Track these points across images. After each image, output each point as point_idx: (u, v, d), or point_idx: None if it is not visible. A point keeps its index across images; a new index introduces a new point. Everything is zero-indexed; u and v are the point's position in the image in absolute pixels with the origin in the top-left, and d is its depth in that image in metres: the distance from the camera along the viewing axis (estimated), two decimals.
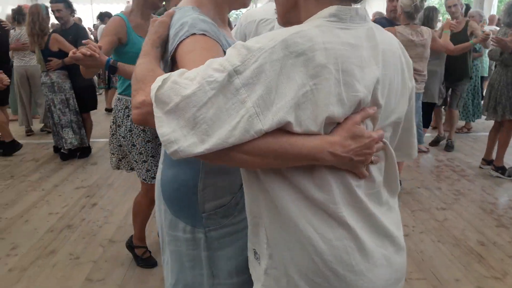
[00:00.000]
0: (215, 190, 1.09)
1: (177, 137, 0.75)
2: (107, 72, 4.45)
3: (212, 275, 1.12)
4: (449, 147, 4.99)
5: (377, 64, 0.83)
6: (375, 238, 0.87)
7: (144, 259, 2.61)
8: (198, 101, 0.74)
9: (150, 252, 2.66)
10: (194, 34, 0.95)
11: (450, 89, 4.99)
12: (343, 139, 0.79)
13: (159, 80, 0.78)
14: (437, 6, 5.45)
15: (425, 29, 3.60)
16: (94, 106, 4.99)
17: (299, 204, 0.82)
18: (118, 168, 2.54)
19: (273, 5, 2.45)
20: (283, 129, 0.76)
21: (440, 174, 4.29)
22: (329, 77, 0.76)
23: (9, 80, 2.46)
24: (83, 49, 1.72)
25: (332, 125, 0.80)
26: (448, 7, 4.86)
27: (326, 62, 0.76)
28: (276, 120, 0.74)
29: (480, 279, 2.48)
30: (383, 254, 0.88)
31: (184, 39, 0.95)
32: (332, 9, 0.83)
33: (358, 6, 0.87)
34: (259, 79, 0.74)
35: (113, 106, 2.45)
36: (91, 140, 5.22)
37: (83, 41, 1.84)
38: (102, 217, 3.30)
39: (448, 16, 5.25)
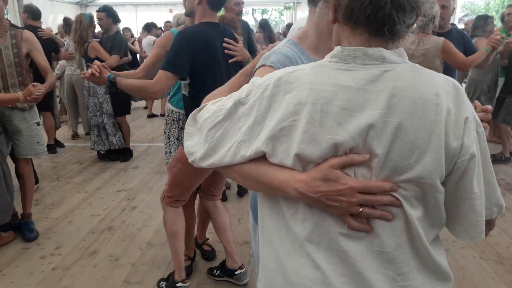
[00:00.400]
0: None
1: (194, 150, 0.93)
2: None
3: None
4: (496, 160, 4.76)
5: (377, 109, 0.78)
6: None
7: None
8: (210, 123, 0.90)
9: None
10: (264, 65, 1.10)
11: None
12: (311, 179, 0.80)
13: (202, 105, 0.98)
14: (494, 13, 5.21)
15: (433, 38, 3.35)
16: (126, 111, 5.08)
17: (281, 234, 0.88)
18: None
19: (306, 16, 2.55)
20: (266, 159, 0.85)
21: None
22: (307, 115, 0.79)
23: (40, 93, 2.57)
24: (90, 69, 1.99)
25: (311, 164, 0.82)
26: (507, 15, 4.63)
27: (306, 101, 0.80)
28: (254, 149, 0.85)
29: None
30: None
31: (257, 68, 1.11)
32: (336, 49, 0.84)
33: (375, 48, 0.81)
34: (252, 111, 0.86)
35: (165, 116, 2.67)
36: (132, 144, 5.40)
37: (92, 64, 2.04)
38: (141, 220, 3.40)
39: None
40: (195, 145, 0.93)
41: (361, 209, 0.80)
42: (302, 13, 14.25)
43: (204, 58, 2.04)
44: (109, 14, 4.69)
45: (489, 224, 0.89)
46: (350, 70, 0.81)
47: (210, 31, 2.08)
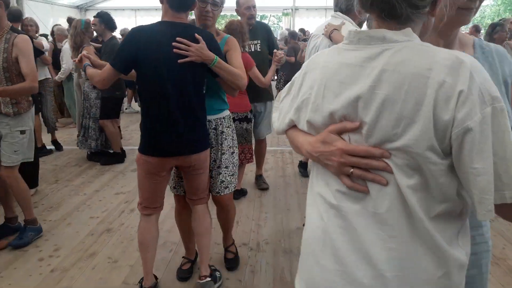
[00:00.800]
0: None
1: (274, 120, 1.19)
2: None
3: None
4: None
5: (367, 82, 0.87)
6: (353, 252, 0.92)
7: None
8: (279, 98, 1.18)
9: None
10: None
11: None
12: (314, 141, 0.99)
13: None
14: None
15: None
16: (110, 116, 5.00)
17: (309, 189, 1.10)
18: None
19: (324, 23, 2.65)
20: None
21: None
22: (316, 89, 0.98)
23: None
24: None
25: (321, 130, 0.98)
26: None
27: (318, 77, 0.99)
28: (288, 118, 1.09)
29: None
30: (356, 275, 0.90)
31: None
32: (347, 33, 0.97)
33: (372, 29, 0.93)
34: (294, 87, 1.10)
35: None
36: (131, 147, 5.42)
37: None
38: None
39: None
40: (275, 116, 1.19)
41: (351, 170, 0.91)
42: (300, 19, 14.35)
43: (148, 57, 2.02)
44: (102, 20, 4.78)
45: (504, 209, 0.84)
46: (355, 50, 0.93)
47: (163, 30, 2.04)
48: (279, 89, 7.86)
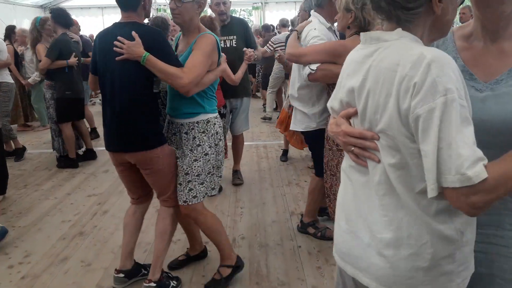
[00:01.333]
0: None
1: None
2: None
3: None
4: None
5: (360, 77, 1.05)
6: (357, 216, 1.11)
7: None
8: None
9: None
10: None
11: None
12: (333, 123, 1.18)
13: None
14: None
15: None
16: (65, 118, 4.82)
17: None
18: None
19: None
20: None
21: None
22: (339, 81, 1.18)
23: None
24: None
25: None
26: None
27: (342, 71, 1.17)
28: (330, 103, 1.23)
29: None
30: (358, 234, 1.10)
31: None
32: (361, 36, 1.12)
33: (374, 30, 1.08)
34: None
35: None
36: (102, 148, 5.32)
37: None
38: (113, 224, 3.35)
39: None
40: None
41: (352, 148, 1.09)
42: (270, 13, 14.34)
43: (102, 57, 2.19)
44: (52, 16, 4.74)
45: (447, 193, 0.88)
46: (362, 49, 1.09)
47: (115, 30, 2.14)
48: (258, 82, 7.83)
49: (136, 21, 2.15)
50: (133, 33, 2.06)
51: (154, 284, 2.32)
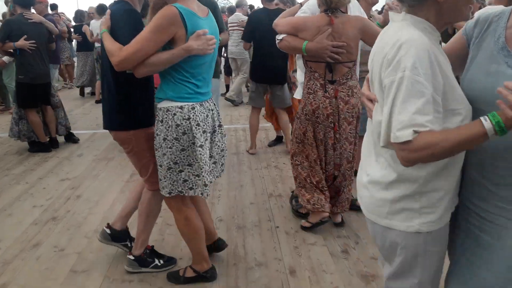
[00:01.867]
0: None
1: None
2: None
3: None
4: None
5: (374, 48, 1.27)
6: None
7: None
8: None
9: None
10: None
11: None
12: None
13: None
14: None
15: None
16: (21, 104, 4.60)
17: None
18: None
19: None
20: None
21: None
22: None
23: None
24: None
25: None
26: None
27: None
28: None
29: None
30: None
31: None
32: None
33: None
34: None
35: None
36: (76, 131, 5.20)
37: None
38: (87, 209, 3.27)
39: None
40: None
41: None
42: None
43: None
44: None
45: (394, 146, 1.12)
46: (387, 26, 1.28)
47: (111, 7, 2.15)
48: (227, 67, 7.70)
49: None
50: (108, 11, 2.07)
51: (133, 258, 2.38)
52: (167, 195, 2.12)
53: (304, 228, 2.89)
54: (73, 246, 2.72)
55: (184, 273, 2.34)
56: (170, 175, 2.06)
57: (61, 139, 5.03)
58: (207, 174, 2.08)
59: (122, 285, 2.32)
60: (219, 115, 2.24)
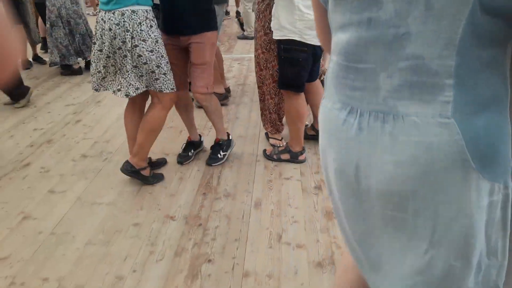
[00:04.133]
0: None
1: None
2: None
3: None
4: None
5: None
6: None
7: (155, 175, 2.68)
8: None
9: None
10: None
11: None
12: None
13: None
14: None
15: None
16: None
17: None
18: (97, 90, 2.48)
19: None
20: None
21: None
22: None
23: None
24: None
25: None
26: None
27: None
28: None
29: None
30: None
31: None
32: None
33: None
34: None
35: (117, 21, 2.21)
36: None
37: None
38: (82, 133, 3.39)
39: None
40: None
41: None
42: None
43: None
44: None
45: None
46: None
47: None
48: None
49: None
50: None
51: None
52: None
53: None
54: (58, 168, 2.86)
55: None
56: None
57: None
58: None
59: (91, 207, 2.43)
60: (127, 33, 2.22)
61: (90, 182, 2.68)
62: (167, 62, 2.37)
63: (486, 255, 0.87)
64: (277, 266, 1.96)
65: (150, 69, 2.31)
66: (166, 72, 2.36)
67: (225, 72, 4.94)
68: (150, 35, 2.25)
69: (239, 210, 2.39)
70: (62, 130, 3.47)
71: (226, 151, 2.93)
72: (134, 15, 2.20)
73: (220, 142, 2.90)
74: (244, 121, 3.60)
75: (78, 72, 4.95)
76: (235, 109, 3.87)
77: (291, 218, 2.31)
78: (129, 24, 2.19)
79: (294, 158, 2.87)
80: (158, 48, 2.30)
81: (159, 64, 2.32)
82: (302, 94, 2.72)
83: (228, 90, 4.12)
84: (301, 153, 2.87)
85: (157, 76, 2.34)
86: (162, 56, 2.34)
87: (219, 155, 2.89)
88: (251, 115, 3.72)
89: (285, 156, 2.90)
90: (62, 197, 2.53)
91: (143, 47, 2.24)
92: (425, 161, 0.81)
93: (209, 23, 2.55)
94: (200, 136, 3.06)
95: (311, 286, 1.85)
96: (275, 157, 2.93)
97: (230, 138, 2.96)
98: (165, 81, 2.37)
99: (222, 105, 3.76)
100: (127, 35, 2.20)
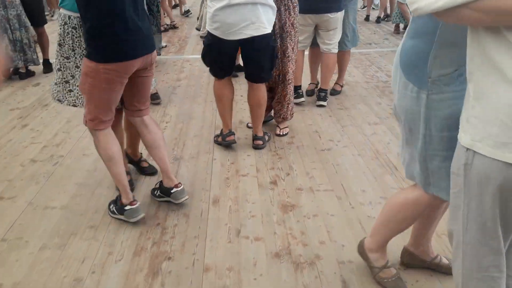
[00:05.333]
0: (443, 61, 1.29)
1: None
2: None
3: (426, 127, 1.39)
4: None
5: None
6: None
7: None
8: None
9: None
10: None
11: None
12: None
13: None
14: None
15: None
16: (44, 20, 4.91)
17: (507, 56, 0.95)
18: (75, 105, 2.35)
19: None
20: None
21: (385, 89, 4.24)
22: None
23: None
24: None
25: None
26: None
27: None
28: None
29: (386, 190, 2.54)
30: None
31: None
32: None
33: None
34: None
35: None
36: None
37: None
38: (29, 138, 3.27)
39: None
40: None
41: None
42: None
43: None
44: None
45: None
46: None
47: None
48: None
49: None
50: None
51: (181, 186, 2.41)
52: None
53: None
54: (6, 174, 2.75)
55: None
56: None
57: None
58: None
59: (44, 211, 2.36)
60: None
61: (41, 186, 2.60)
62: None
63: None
64: (237, 259, 2.01)
65: (64, 78, 2.26)
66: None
67: (177, 73, 4.96)
68: (66, 41, 2.18)
69: (197, 208, 2.42)
70: (8, 135, 3.33)
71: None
72: (58, 17, 2.21)
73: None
74: (199, 121, 3.62)
75: (22, 76, 4.73)
76: (190, 109, 3.88)
77: (249, 213, 2.37)
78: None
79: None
80: (74, 57, 2.20)
81: (74, 74, 2.24)
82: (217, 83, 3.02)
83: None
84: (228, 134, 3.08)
85: (70, 88, 2.28)
86: (77, 67, 2.22)
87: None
88: (205, 115, 3.75)
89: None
90: (12, 203, 2.44)
91: (57, 51, 2.23)
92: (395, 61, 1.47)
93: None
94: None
95: (269, 276, 1.91)
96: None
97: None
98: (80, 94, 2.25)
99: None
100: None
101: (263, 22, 2.69)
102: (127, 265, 1.96)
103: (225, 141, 3.05)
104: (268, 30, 2.73)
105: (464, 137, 1.08)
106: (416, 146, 1.47)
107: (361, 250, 1.88)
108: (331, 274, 1.91)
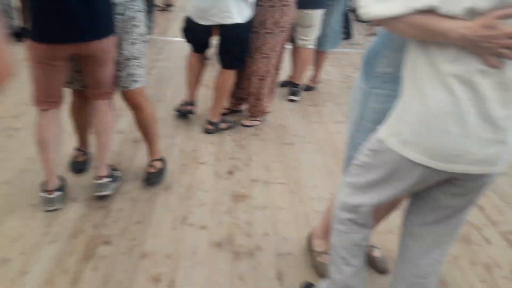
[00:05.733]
0: (389, 61, 1.38)
1: (365, 4, 1.15)
2: None
3: (361, 115, 1.50)
4: None
5: None
6: (478, 117, 1.11)
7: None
8: None
9: None
10: None
11: None
12: (475, 25, 1.02)
13: None
14: None
15: None
16: None
17: (429, 69, 1.13)
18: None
19: None
20: (434, 12, 1.07)
21: None
22: None
23: None
24: None
25: (477, 15, 1.02)
26: None
27: None
28: (425, 2, 1.06)
29: (337, 186, 2.50)
30: (479, 134, 1.12)
31: None
32: None
33: None
34: None
35: None
36: None
37: None
38: None
39: None
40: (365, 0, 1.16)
41: (505, 51, 1.03)
42: None
43: None
44: None
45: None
46: None
47: None
48: None
49: None
50: None
51: (108, 179, 2.23)
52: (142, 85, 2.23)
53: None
54: None
55: (156, 167, 2.46)
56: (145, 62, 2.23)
57: None
58: None
59: None
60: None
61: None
62: None
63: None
64: (177, 247, 1.97)
65: None
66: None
67: (156, 54, 4.86)
68: None
69: (147, 192, 2.36)
70: None
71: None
72: None
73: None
74: (166, 104, 3.54)
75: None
76: (159, 92, 3.80)
77: (199, 201, 2.32)
78: None
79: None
80: None
81: None
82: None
83: None
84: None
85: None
86: None
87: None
88: (174, 100, 3.66)
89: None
90: None
91: None
92: None
93: None
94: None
95: (207, 264, 1.88)
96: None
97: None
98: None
99: None
100: None
101: (231, 12, 2.68)
102: (61, 247, 1.90)
103: (181, 108, 3.12)
104: (236, 20, 2.69)
105: (381, 130, 1.28)
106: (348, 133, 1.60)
107: (309, 236, 2.02)
108: (268, 265, 1.89)
